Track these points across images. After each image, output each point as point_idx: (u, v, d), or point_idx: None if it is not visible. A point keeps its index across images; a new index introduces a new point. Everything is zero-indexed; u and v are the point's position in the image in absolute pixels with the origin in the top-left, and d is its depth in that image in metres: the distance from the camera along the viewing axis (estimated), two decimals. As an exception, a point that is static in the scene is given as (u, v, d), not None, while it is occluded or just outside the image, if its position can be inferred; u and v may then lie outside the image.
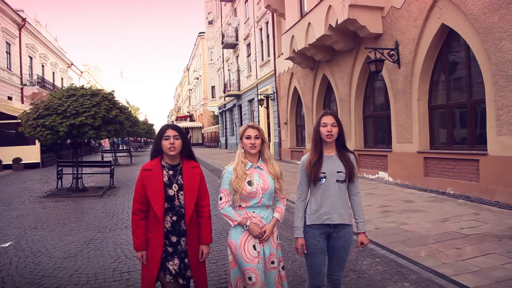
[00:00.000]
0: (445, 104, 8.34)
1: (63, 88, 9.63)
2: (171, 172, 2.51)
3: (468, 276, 3.68)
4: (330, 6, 10.10)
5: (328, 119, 2.54)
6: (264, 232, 2.49)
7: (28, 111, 9.14)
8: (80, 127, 8.53)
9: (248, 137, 2.52)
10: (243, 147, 2.57)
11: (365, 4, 9.37)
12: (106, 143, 46.44)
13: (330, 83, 12.75)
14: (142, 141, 50.16)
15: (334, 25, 10.10)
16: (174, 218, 2.47)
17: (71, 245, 5.14)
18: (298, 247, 2.57)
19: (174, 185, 2.47)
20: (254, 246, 2.48)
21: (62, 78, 35.52)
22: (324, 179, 2.52)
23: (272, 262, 2.56)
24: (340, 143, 2.60)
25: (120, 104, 9.99)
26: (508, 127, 6.48)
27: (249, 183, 2.48)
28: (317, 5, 11.00)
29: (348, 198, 2.63)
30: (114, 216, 6.97)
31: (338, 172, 2.53)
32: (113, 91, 9.93)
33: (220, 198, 2.56)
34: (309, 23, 11.53)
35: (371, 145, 11.18)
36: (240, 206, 2.54)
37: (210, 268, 4.04)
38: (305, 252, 2.58)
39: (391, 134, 9.72)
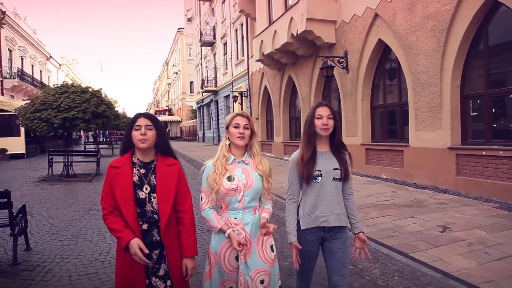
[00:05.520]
0: (383, 104, 10.07)
1: (55, 86, 10.87)
2: (142, 171, 2.14)
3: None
4: (292, 18, 11.69)
5: (324, 111, 2.31)
6: (247, 244, 2.12)
7: (25, 106, 10.36)
8: (72, 120, 9.83)
9: (237, 126, 2.20)
10: (228, 139, 2.25)
11: (320, 18, 10.97)
12: (83, 136, 46.86)
13: (295, 83, 14.38)
14: (122, 133, 50.64)
15: (295, 34, 11.69)
16: (145, 226, 2.08)
17: (74, 213, 6.56)
18: (293, 253, 2.27)
19: (146, 186, 2.10)
20: (236, 258, 2.14)
21: (41, 71, 35.94)
22: (320, 178, 2.29)
23: (262, 282, 2.13)
24: (334, 138, 2.36)
25: (106, 101, 11.30)
26: (422, 124, 8.21)
27: (229, 178, 2.16)
28: (281, 16, 12.61)
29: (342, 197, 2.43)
30: (104, 195, 8.36)
31: (334, 169, 2.31)
32: (101, 88, 11.25)
33: (201, 198, 2.24)
34: (275, 30, 13.10)
35: (328, 139, 12.88)
36: (221, 208, 2.21)
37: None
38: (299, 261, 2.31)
39: (341, 129, 11.42)
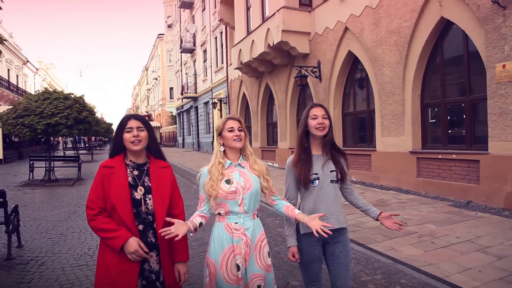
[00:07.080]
0: (353, 111, 10.75)
1: (37, 92, 11.11)
2: (136, 172, 2.12)
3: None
4: (268, 29, 12.30)
5: (318, 111, 2.31)
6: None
7: (7, 111, 10.55)
8: (55, 126, 10.10)
9: (231, 130, 2.20)
10: (222, 145, 2.24)
11: (295, 29, 11.62)
12: (60, 142, 46.28)
13: (272, 91, 14.99)
14: (101, 139, 50.23)
15: (271, 44, 12.30)
16: (140, 227, 2.06)
17: (60, 215, 6.88)
18: (290, 257, 2.34)
19: (140, 187, 2.09)
20: (237, 266, 2.10)
21: (17, 75, 35.46)
22: (317, 181, 2.29)
23: (258, 287, 2.15)
24: (327, 141, 2.36)
25: (88, 107, 11.59)
26: (387, 130, 8.90)
27: (228, 181, 2.14)
28: (259, 26, 13.22)
29: (346, 198, 2.47)
30: (88, 198, 8.68)
31: (331, 171, 2.33)
32: (83, 95, 11.54)
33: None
34: (253, 40, 13.70)
35: (303, 144, 13.52)
36: (219, 214, 2.17)
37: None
38: (299, 261, 2.36)
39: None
